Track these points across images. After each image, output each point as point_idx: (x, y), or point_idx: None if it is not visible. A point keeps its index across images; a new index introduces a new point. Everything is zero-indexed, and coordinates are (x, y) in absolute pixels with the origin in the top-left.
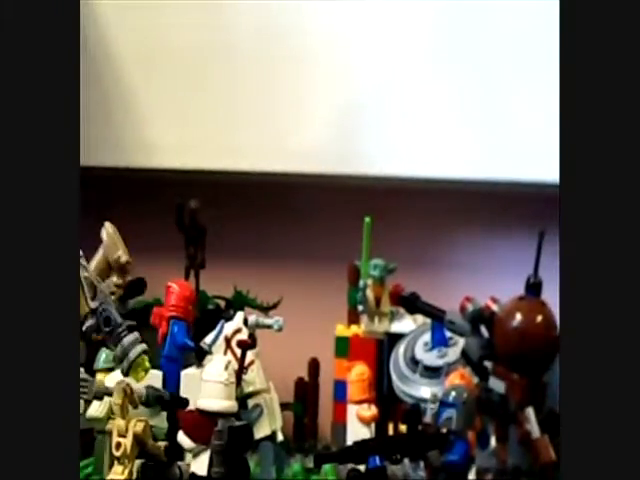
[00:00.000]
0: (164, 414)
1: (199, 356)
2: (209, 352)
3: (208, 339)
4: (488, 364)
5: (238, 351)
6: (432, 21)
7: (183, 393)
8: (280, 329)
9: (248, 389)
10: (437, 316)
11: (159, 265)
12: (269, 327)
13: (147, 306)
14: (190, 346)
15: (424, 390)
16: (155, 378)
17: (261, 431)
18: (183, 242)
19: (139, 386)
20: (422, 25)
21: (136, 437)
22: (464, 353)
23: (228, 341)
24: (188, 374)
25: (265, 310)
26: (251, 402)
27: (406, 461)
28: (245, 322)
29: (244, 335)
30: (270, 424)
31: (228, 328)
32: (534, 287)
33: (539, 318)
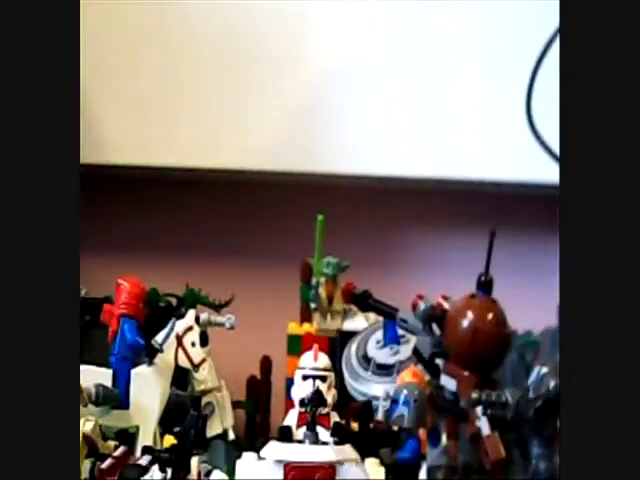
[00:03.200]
0: (115, 412)
1: (150, 354)
2: (160, 350)
3: (159, 337)
4: (439, 362)
5: (189, 349)
6: (388, 20)
7: (133, 392)
8: (232, 327)
9: (200, 388)
10: (389, 314)
11: (109, 262)
12: (221, 325)
13: (97, 303)
14: (141, 344)
15: (376, 388)
16: (105, 376)
17: (213, 429)
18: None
19: (89, 384)
20: (378, 24)
21: (85, 436)
22: (416, 351)
23: (179, 339)
24: (139, 372)
25: (217, 308)
26: (203, 401)
27: None
28: (197, 320)
29: (196, 332)
30: (222, 422)
31: (179, 326)
32: (485, 285)
33: (490, 316)
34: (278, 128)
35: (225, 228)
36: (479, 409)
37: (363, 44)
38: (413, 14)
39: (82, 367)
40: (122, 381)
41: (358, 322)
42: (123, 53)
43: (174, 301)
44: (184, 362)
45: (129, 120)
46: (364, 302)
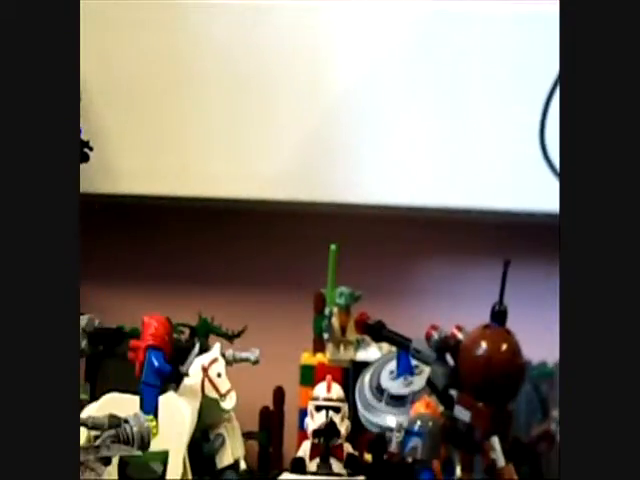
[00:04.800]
0: None
1: (176, 379)
2: (186, 374)
3: (184, 366)
4: (453, 392)
5: (215, 379)
6: (405, 52)
7: (162, 417)
8: (257, 362)
9: (226, 417)
10: (403, 344)
11: (128, 293)
12: (246, 360)
13: (110, 333)
14: (168, 369)
15: (389, 419)
16: (132, 403)
17: (224, 460)
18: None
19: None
20: (395, 56)
21: None
22: (429, 381)
23: (205, 370)
24: (167, 398)
25: (230, 338)
26: (213, 432)
27: None
28: (222, 356)
29: (221, 364)
30: (233, 453)
31: (205, 359)
32: (499, 315)
33: (504, 346)
34: (292, 157)
35: (238, 258)
36: (494, 440)
37: (379, 74)
38: (429, 47)
39: (108, 395)
40: (150, 408)
41: (371, 352)
42: (136, 83)
43: (187, 331)
44: (211, 392)
45: (142, 150)
46: (377, 332)
